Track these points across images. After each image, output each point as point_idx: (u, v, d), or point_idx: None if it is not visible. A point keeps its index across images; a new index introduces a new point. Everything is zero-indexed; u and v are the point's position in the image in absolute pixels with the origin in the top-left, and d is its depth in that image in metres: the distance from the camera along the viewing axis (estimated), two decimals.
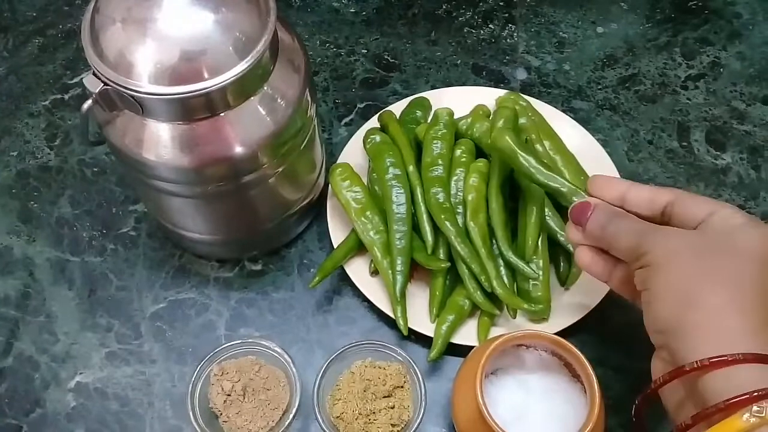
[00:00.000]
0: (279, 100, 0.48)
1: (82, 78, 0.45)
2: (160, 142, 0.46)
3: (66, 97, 0.70)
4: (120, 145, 0.47)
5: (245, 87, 0.45)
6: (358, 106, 0.69)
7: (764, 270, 0.40)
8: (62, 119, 0.68)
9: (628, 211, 0.46)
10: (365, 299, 0.56)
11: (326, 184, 0.60)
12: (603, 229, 0.46)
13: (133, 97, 0.43)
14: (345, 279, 0.58)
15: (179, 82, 0.43)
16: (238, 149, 0.47)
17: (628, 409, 0.43)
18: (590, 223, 0.47)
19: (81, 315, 0.57)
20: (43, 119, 0.68)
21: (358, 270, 0.57)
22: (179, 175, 0.48)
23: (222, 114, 0.45)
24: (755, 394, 0.35)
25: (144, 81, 0.43)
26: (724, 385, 0.36)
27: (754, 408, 0.35)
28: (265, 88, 0.47)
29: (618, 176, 0.61)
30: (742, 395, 0.35)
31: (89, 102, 0.45)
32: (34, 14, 0.75)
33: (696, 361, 0.37)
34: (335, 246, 0.57)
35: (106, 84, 0.44)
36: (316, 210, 0.61)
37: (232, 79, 0.43)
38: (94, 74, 0.44)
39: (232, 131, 0.46)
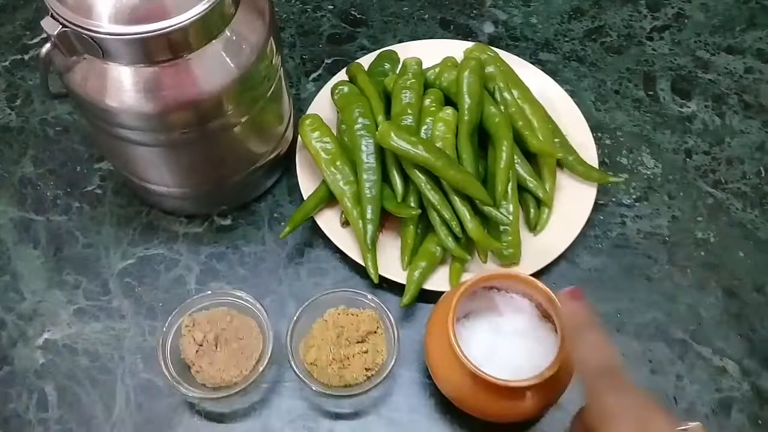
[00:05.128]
0: (243, 45, 0.47)
1: (42, 37, 0.43)
2: (122, 87, 0.45)
3: (26, 57, 0.68)
4: (82, 93, 0.46)
5: (207, 28, 0.45)
6: (326, 61, 0.68)
7: None
8: (23, 79, 0.67)
9: None
10: (337, 250, 0.56)
11: (295, 139, 0.60)
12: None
13: (92, 38, 0.42)
14: (316, 231, 0.57)
15: (139, 21, 0.42)
16: (202, 94, 0.46)
17: None
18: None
19: (47, 273, 0.56)
20: (2, 80, 0.66)
21: (328, 221, 0.57)
22: (143, 122, 0.47)
23: (185, 56, 0.45)
24: None
25: (103, 21, 0.42)
26: None
27: None
28: (228, 32, 0.46)
29: (586, 125, 0.61)
30: None
31: (47, 46, 0.44)
32: None
33: None
34: (305, 198, 0.57)
35: (64, 26, 0.43)
36: (285, 164, 0.61)
37: (193, 18, 0.43)
38: (52, 16, 0.43)
39: (196, 75, 0.46)
